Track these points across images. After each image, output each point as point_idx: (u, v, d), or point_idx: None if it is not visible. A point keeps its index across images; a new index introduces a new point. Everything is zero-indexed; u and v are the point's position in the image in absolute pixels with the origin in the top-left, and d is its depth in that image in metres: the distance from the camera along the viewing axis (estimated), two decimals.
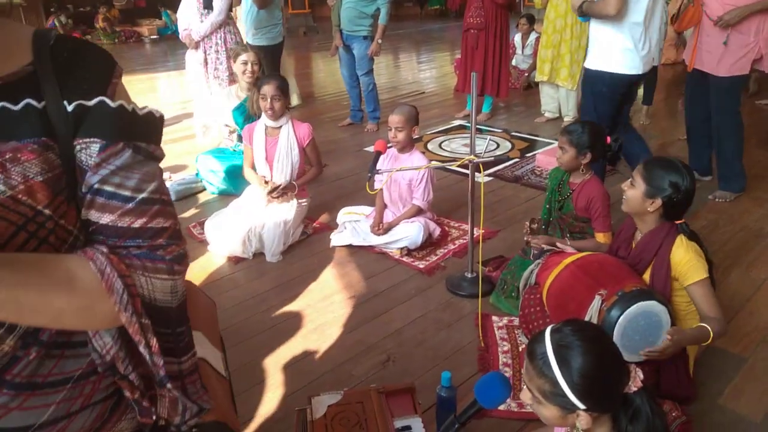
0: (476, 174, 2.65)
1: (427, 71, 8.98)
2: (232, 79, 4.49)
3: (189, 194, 3.98)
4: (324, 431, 1.57)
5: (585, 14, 3.16)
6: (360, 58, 5.18)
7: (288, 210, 3.23)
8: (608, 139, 2.64)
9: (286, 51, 5.64)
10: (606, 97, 3.26)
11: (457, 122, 5.68)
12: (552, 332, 1.20)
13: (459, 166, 2.77)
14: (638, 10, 3.04)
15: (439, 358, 2.31)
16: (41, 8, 10.96)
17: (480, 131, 5.32)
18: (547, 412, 1.22)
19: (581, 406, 1.16)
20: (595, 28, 3.20)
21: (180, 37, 4.52)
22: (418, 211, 3.13)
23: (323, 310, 2.66)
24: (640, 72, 3.18)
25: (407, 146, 3.10)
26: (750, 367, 2.23)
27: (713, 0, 3.41)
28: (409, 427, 1.60)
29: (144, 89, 7.28)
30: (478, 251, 2.76)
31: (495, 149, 4.75)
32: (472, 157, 2.54)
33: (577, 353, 1.16)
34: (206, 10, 4.35)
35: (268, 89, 3.15)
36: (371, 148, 4.88)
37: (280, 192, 3.20)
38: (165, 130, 0.84)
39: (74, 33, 10.99)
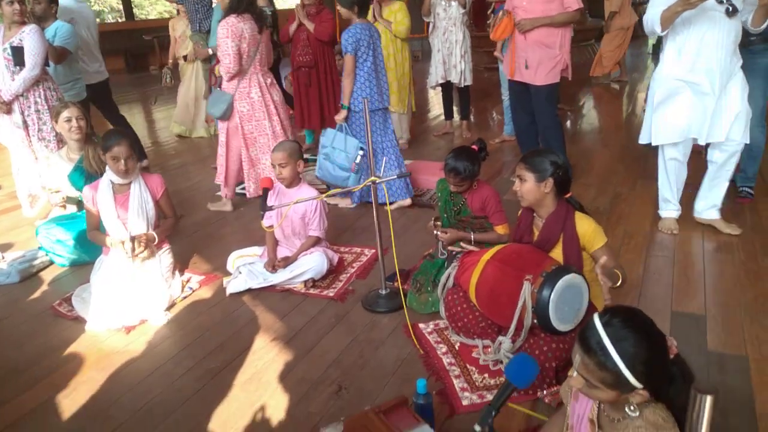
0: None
1: None
2: (60, 139, 4.03)
3: (34, 272, 3.47)
4: None
5: None
6: None
7: (154, 265, 3.02)
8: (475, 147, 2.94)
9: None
10: None
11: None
12: (604, 326, 1.27)
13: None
14: None
15: (388, 374, 2.35)
16: None
17: (306, 161, 5.48)
18: (603, 395, 1.30)
19: (641, 386, 1.26)
20: None
21: None
22: (316, 242, 3.13)
23: (249, 360, 2.52)
24: None
25: (294, 181, 3.10)
26: None
27: (519, 10, 4.02)
28: None
29: None
30: (390, 267, 2.86)
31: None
32: (373, 178, 2.65)
33: (634, 343, 1.25)
34: (17, 67, 3.86)
35: (120, 150, 2.92)
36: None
37: (143, 245, 2.95)
38: None
39: None
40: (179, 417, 2.19)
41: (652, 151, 3.48)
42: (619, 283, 2.18)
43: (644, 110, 3.58)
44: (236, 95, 3.99)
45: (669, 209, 3.52)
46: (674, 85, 3.17)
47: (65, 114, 3.46)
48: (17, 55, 3.87)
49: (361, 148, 3.87)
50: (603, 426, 1.39)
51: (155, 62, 13.60)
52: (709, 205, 3.43)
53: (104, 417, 2.21)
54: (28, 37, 3.88)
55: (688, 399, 1.06)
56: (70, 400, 2.32)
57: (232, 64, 3.84)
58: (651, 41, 12.43)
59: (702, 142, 3.22)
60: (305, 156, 5.68)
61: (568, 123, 6.61)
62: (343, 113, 3.95)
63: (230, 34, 3.77)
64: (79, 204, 3.57)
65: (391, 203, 4.09)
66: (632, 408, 1.30)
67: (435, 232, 2.78)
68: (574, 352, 1.31)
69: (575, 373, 1.32)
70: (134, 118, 8.32)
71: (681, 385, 1.28)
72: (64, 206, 3.74)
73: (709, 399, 0.63)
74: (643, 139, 3.44)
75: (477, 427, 1.35)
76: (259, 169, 4.18)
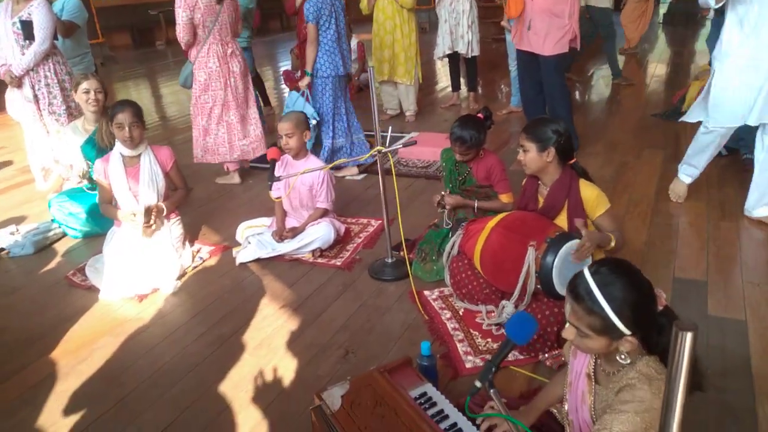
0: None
1: None
2: (70, 113, 4.08)
3: (48, 243, 3.55)
4: (349, 419, 1.58)
5: None
6: None
7: (164, 235, 3.08)
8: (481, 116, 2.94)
9: None
10: None
11: None
12: (592, 274, 1.32)
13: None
14: None
15: (394, 338, 2.41)
16: None
17: None
18: (594, 343, 1.34)
19: (629, 332, 1.30)
20: None
21: None
22: (324, 213, 3.18)
23: (258, 326, 2.59)
24: None
25: (301, 152, 3.13)
26: None
27: None
28: (424, 393, 1.68)
29: None
30: (396, 236, 2.90)
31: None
32: (379, 148, 2.67)
33: (621, 288, 1.29)
34: (27, 41, 3.89)
35: (124, 117, 2.96)
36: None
37: (154, 218, 3.00)
38: None
39: None
40: (191, 381, 2.27)
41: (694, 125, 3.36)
42: (611, 246, 2.22)
43: (654, 80, 3.53)
44: (195, 64, 4.07)
45: (689, 173, 3.44)
46: (736, 63, 2.92)
47: (84, 85, 3.48)
48: (26, 29, 3.89)
49: (315, 118, 4.16)
50: (599, 380, 1.44)
51: (161, 37, 13.58)
52: (765, 201, 3.14)
53: (118, 382, 2.29)
54: (37, 11, 3.90)
55: None
56: (85, 366, 2.40)
57: (182, 34, 3.93)
58: (662, 10, 12.22)
59: (753, 123, 2.99)
60: None
61: (577, 93, 6.56)
62: (306, 79, 4.20)
63: (182, 5, 3.84)
64: (93, 181, 3.62)
65: (359, 165, 4.38)
66: (623, 357, 1.34)
67: (439, 204, 2.81)
68: (566, 302, 1.35)
69: (567, 325, 1.37)
70: (141, 93, 8.35)
71: (670, 335, 1.30)
72: (80, 182, 3.80)
73: (689, 336, 0.66)
74: (691, 117, 3.29)
75: (477, 383, 1.39)
76: (210, 139, 4.21)
